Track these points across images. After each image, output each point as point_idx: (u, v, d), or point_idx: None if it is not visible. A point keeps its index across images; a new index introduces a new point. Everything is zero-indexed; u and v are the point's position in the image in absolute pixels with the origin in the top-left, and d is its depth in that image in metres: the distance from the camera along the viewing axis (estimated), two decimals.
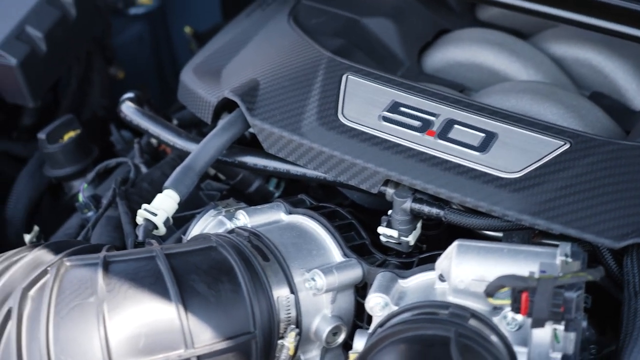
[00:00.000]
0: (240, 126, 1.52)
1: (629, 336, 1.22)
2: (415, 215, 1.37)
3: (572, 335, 1.14)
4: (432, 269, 1.27)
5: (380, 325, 1.21)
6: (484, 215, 1.33)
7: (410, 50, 1.77)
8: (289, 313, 1.30)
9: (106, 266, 1.22)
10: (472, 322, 1.15)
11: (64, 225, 1.82)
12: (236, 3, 2.10)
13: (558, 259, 1.15)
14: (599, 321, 1.34)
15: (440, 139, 1.39)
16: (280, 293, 1.30)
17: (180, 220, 1.52)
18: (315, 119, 1.47)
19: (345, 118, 1.46)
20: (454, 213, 1.35)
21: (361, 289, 1.36)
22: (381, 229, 1.39)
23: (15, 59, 1.88)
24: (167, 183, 1.44)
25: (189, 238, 1.43)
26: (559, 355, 1.14)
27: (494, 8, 1.88)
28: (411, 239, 1.38)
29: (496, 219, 1.32)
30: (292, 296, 1.31)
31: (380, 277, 1.30)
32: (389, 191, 1.39)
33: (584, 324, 1.22)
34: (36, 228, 1.67)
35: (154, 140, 1.87)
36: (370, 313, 1.27)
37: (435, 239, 1.45)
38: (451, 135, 1.39)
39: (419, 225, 1.40)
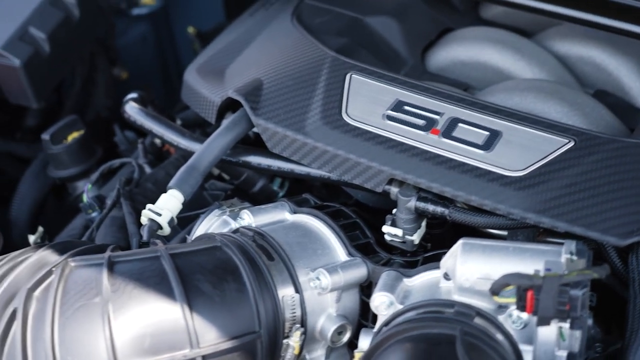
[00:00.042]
0: (244, 126, 1.52)
1: (635, 334, 1.22)
2: (419, 214, 1.37)
3: (577, 333, 1.14)
4: (437, 267, 1.27)
5: (386, 324, 1.21)
6: (489, 214, 1.33)
7: (413, 49, 1.77)
8: (294, 312, 1.30)
9: (111, 266, 1.22)
10: (478, 321, 1.15)
11: (68, 225, 1.82)
12: (239, 3, 2.10)
13: (563, 257, 1.14)
14: (604, 319, 1.34)
15: (445, 137, 1.39)
16: (285, 292, 1.30)
17: (185, 220, 1.51)
18: (319, 118, 1.46)
19: (349, 117, 1.45)
20: (459, 211, 1.35)
21: (366, 288, 1.36)
22: (386, 228, 1.39)
23: (19, 60, 1.88)
24: (171, 183, 1.44)
25: (193, 238, 1.43)
26: (564, 353, 1.13)
27: (497, 6, 1.87)
28: (416, 238, 1.38)
29: (501, 217, 1.32)
30: (297, 295, 1.31)
31: (385, 276, 1.30)
32: (394, 190, 1.39)
33: (590, 322, 1.22)
34: (40, 229, 1.67)
35: (157, 141, 1.87)
36: (376, 312, 1.27)
37: (440, 237, 1.45)
38: (455, 133, 1.39)
39: (423, 224, 1.40)
